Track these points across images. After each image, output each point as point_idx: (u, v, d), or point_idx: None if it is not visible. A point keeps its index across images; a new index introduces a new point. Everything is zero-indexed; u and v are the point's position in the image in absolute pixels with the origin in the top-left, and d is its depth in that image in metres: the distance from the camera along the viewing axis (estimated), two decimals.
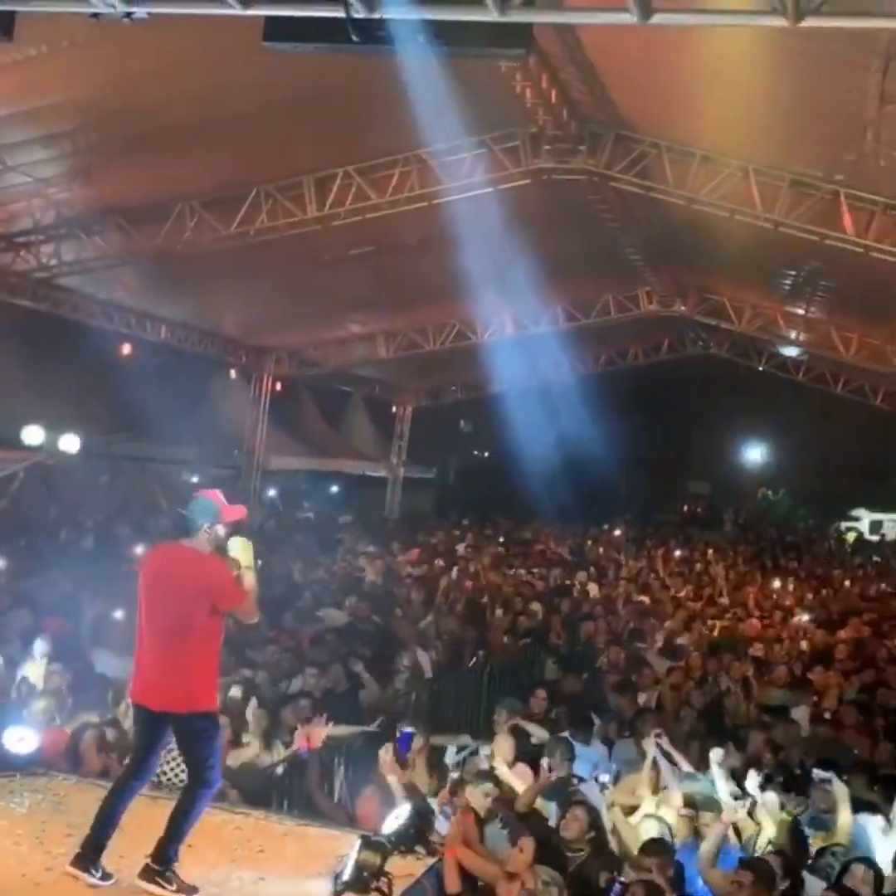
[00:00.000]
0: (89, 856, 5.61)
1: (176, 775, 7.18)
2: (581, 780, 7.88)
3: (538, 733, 8.58)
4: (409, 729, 7.98)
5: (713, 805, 7.02)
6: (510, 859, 6.16)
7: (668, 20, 5.52)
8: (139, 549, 13.39)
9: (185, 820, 5.70)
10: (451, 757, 8.47)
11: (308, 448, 27.13)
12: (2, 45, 6.82)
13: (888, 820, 7.48)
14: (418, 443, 31.44)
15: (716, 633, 14.21)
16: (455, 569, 17.06)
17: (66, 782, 7.05)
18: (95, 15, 5.80)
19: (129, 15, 5.64)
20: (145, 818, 5.90)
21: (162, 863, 5.58)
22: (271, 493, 26.99)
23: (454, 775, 7.41)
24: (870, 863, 6.63)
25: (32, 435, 16.52)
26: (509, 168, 14.04)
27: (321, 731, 7.47)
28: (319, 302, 19.92)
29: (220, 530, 5.80)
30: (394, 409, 30.86)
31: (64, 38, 9.67)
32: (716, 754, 7.53)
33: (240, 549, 5.84)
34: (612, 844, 6.96)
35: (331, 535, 21.63)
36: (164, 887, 5.54)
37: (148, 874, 5.57)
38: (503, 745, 8.03)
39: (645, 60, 10.68)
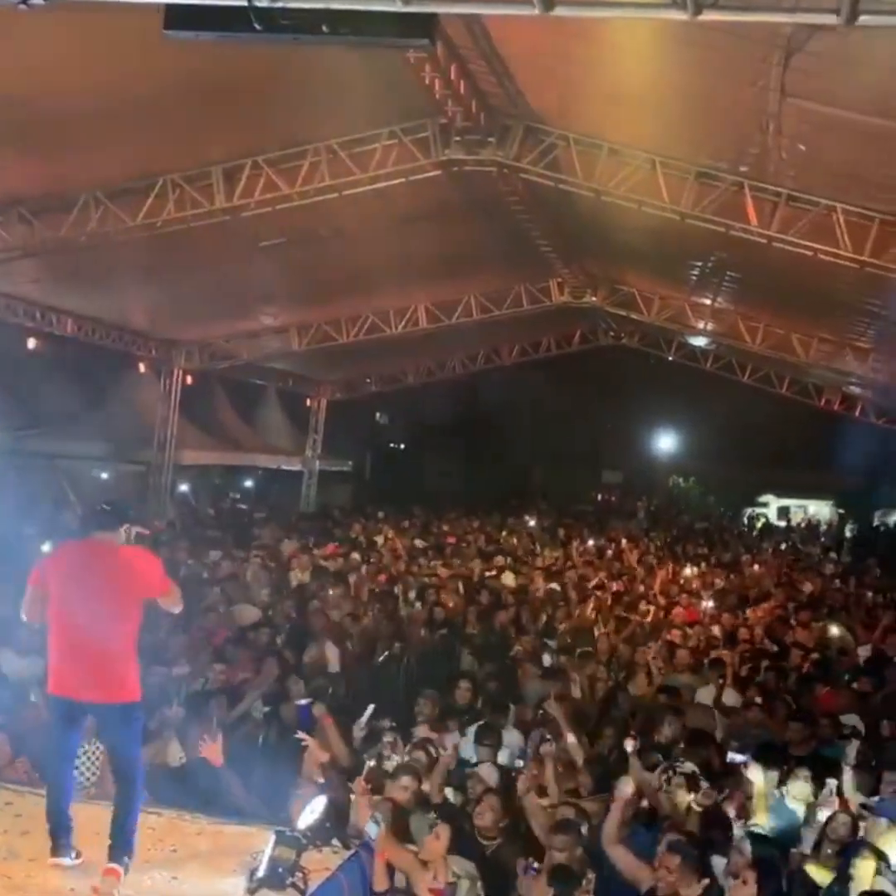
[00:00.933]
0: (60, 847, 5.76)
1: (92, 773, 7.09)
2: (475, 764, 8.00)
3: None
4: (302, 700, 8.07)
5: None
6: (425, 847, 6.18)
7: (570, 12, 5.55)
8: (47, 547, 13.13)
9: (135, 808, 5.83)
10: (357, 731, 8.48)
11: (221, 442, 26.85)
12: None
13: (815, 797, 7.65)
14: (334, 436, 31.33)
15: (649, 619, 14.38)
16: (367, 561, 17.08)
17: None
18: None
19: (24, 1, 5.49)
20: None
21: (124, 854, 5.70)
22: (183, 488, 26.65)
23: (370, 762, 7.39)
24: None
25: None
26: (420, 159, 14.03)
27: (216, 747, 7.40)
28: (231, 294, 19.71)
29: (134, 530, 6.09)
30: (308, 402, 30.68)
31: None
32: (629, 744, 7.67)
33: None
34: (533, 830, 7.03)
35: (246, 531, 21.42)
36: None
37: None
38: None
39: (553, 53, 10.76)
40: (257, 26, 5.16)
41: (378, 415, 41.04)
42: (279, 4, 5.00)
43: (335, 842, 6.41)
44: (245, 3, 5.01)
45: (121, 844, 5.69)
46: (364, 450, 38.34)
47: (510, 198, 16.18)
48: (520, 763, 7.41)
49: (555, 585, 15.97)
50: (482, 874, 6.31)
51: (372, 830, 6.19)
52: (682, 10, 5.31)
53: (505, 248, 18.96)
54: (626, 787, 6.69)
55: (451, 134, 13.89)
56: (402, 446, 43.90)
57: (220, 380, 26.93)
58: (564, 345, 27.56)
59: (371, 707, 8.54)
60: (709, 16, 5.35)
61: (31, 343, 19.31)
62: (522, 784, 7.08)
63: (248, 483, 32.34)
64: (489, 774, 7.47)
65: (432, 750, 7.82)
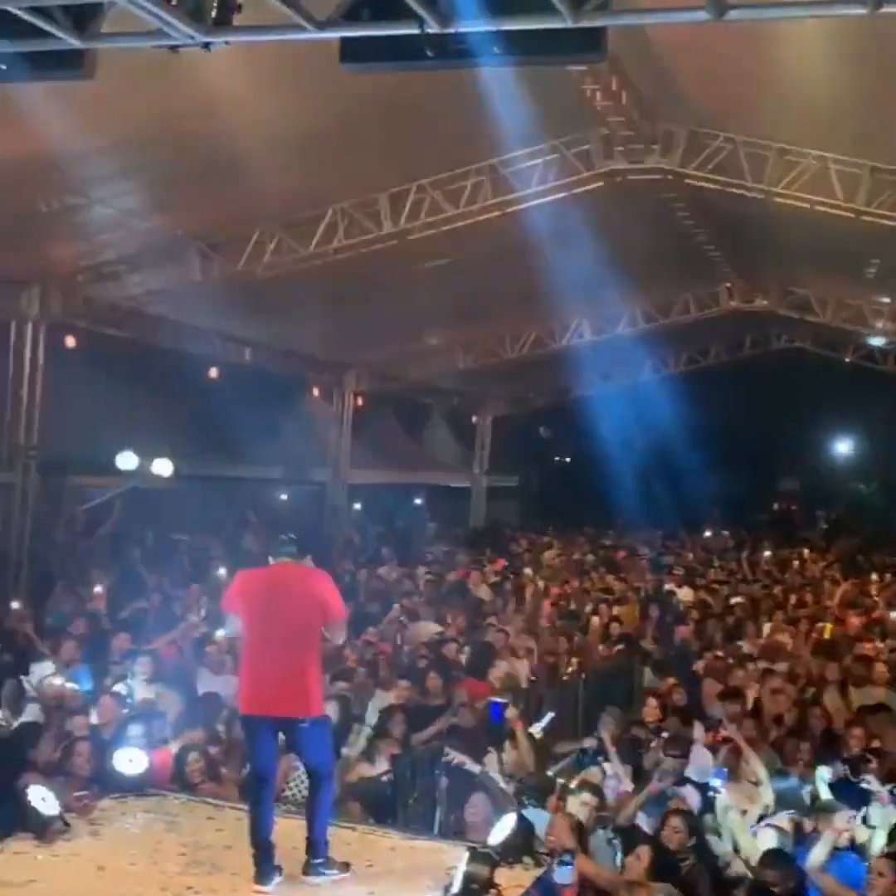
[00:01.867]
0: (263, 873, 5.96)
1: (300, 791, 7.28)
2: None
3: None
4: (498, 699, 8.13)
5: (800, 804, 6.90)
6: (628, 867, 6.15)
7: (744, 16, 5.45)
8: (226, 569, 13.65)
9: (323, 812, 6.16)
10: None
11: (391, 461, 27.28)
12: (81, 83, 6.99)
13: None
14: (500, 452, 31.43)
15: (826, 634, 13.82)
16: (539, 577, 17.06)
17: (176, 801, 7.19)
18: (174, 47, 5.93)
19: (207, 45, 5.75)
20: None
21: (318, 854, 6.05)
22: (356, 507, 27.19)
23: (560, 780, 7.38)
24: None
25: (127, 461, 16.88)
26: (582, 172, 14.01)
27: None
28: (397, 316, 20.03)
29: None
30: (474, 419, 30.89)
31: (142, 70, 9.85)
32: (824, 771, 7.42)
33: None
34: (728, 847, 6.88)
35: (418, 548, 21.73)
36: (327, 874, 6.05)
37: (310, 868, 6.05)
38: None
39: (718, 55, 10.55)
40: (430, 53, 5.26)
41: (542, 429, 40.85)
42: (451, 30, 5.07)
43: (526, 859, 6.41)
44: (418, 32, 5.10)
45: (317, 836, 6.07)
46: (530, 465, 38.25)
47: (675, 204, 15.95)
48: (718, 782, 7.22)
49: (739, 599, 15.55)
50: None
51: (563, 875, 6.09)
52: (861, 5, 5.13)
53: (670, 255, 18.68)
54: (840, 821, 6.49)
55: (614, 144, 13.80)
56: (568, 460, 43.59)
57: (389, 400, 27.42)
58: (734, 351, 26.91)
59: (550, 714, 8.52)
60: (890, 8, 5.15)
61: (213, 372, 20.10)
62: (723, 802, 6.95)
63: (418, 501, 32.73)
64: (691, 795, 7.33)
65: (608, 768, 7.77)
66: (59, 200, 13.02)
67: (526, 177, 14.13)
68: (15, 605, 12.52)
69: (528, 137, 13.89)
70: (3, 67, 6.18)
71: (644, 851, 6.14)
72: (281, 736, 6.25)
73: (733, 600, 15.61)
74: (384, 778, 7.97)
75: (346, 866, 6.15)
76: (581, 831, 6.52)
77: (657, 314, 21.92)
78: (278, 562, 6.31)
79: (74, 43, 5.84)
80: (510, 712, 8.24)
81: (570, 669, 11.44)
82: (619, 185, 14.61)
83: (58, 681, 9.03)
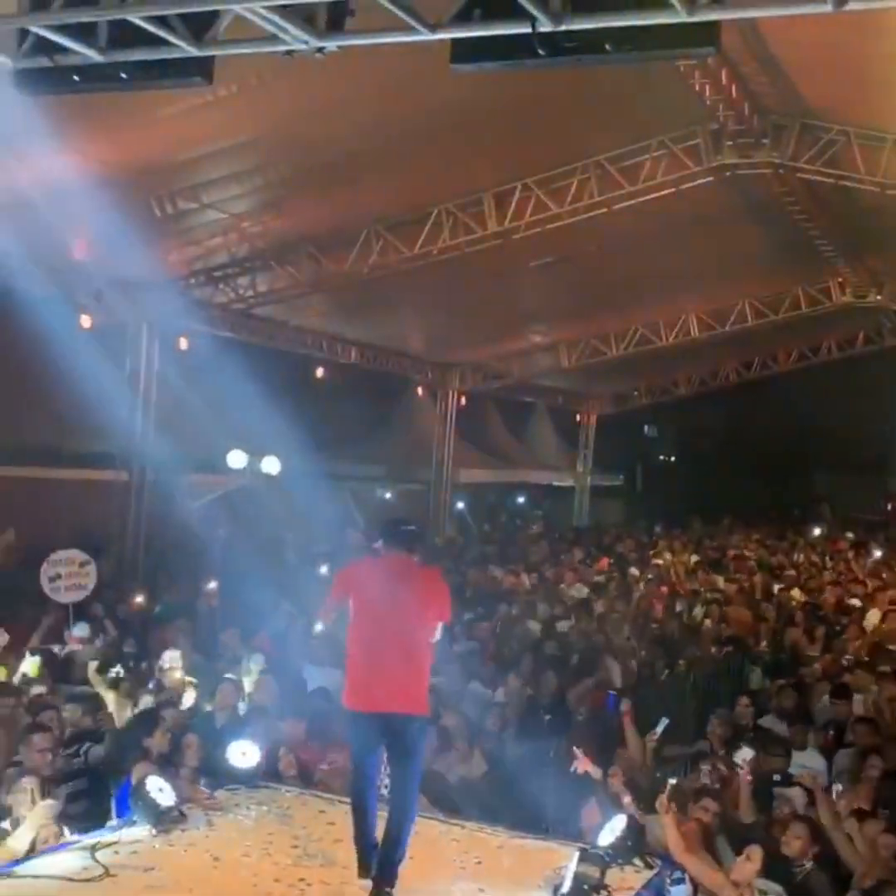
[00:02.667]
0: (383, 880, 5.73)
1: None
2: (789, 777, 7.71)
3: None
4: (612, 691, 8.09)
5: None
6: (736, 867, 6.05)
7: (865, 6, 5.30)
8: (329, 566, 13.84)
9: (406, 829, 5.84)
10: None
11: (494, 460, 27.31)
12: (198, 89, 7.16)
13: None
14: (604, 450, 31.22)
15: None
16: (645, 577, 16.90)
17: (288, 794, 7.30)
18: (289, 52, 6.02)
19: (321, 49, 5.83)
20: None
21: (392, 880, 5.72)
22: (460, 506, 27.30)
23: (672, 781, 7.30)
24: None
25: (236, 459, 17.26)
26: (691, 167, 13.81)
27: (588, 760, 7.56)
28: (501, 315, 20.05)
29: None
30: (577, 417, 30.74)
31: (253, 76, 10.07)
32: None
33: None
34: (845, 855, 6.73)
35: (521, 547, 21.70)
36: None
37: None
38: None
39: (830, 46, 10.30)
40: (540, 52, 5.24)
41: (647, 428, 40.41)
42: (563, 28, 5.04)
43: (637, 861, 6.36)
44: (528, 31, 5.09)
45: (395, 861, 5.75)
46: (634, 464, 37.91)
47: (785, 198, 15.63)
48: (838, 787, 7.08)
49: (855, 601, 15.17)
50: None
51: (677, 894, 6.03)
52: None
53: (780, 249, 18.31)
54: None
55: (723, 138, 13.59)
56: (673, 459, 43.04)
57: (493, 399, 27.44)
58: (846, 347, 26.21)
59: (664, 721, 8.43)
60: None
61: (319, 371, 20.41)
62: (838, 807, 6.80)
63: (521, 500, 32.70)
64: (797, 796, 7.19)
65: (722, 768, 7.66)
66: (172, 205, 13.38)
67: (633, 173, 13.98)
68: (139, 599, 12.94)
69: (636, 134, 13.80)
70: (124, 76, 6.36)
71: (754, 852, 6.01)
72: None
73: (846, 601, 15.22)
74: (486, 777, 8.00)
75: None
76: (705, 836, 6.45)
77: (766, 310, 21.46)
78: (391, 553, 6.10)
79: (192, 51, 5.98)
80: (624, 704, 8.18)
81: (667, 670, 11.25)
82: (728, 180, 14.37)
83: (178, 674, 9.25)
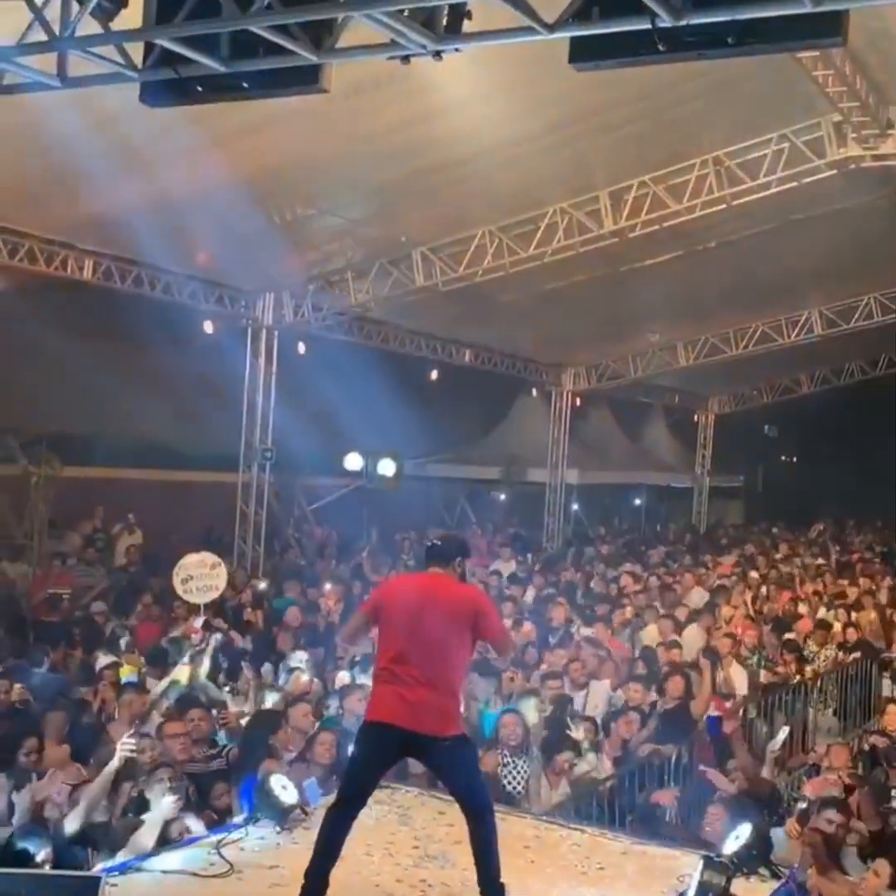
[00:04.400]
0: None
1: (515, 786, 7.35)
2: None
3: None
4: (715, 712, 7.96)
5: None
6: (863, 883, 5.86)
7: None
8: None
9: (490, 850, 5.59)
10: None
11: (610, 461, 27.06)
12: (309, 96, 7.20)
13: None
14: (723, 451, 30.63)
15: None
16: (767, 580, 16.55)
17: (408, 795, 7.32)
18: (406, 58, 6.05)
19: (438, 53, 5.84)
20: None
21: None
22: (575, 507, 27.12)
23: (801, 805, 7.13)
24: None
25: (353, 461, 17.49)
26: (814, 160, 13.42)
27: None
28: (616, 315, 19.85)
29: (466, 564, 6.07)
30: (695, 417, 30.24)
31: (368, 81, 10.15)
32: None
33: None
34: None
35: (637, 549, 21.47)
36: None
37: None
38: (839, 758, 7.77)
39: None
40: (661, 47, 5.15)
41: (767, 427, 39.47)
42: (684, 22, 4.95)
43: (763, 870, 6.21)
44: (649, 27, 5.01)
45: (496, 876, 5.55)
46: (755, 464, 37.09)
47: None
48: None
49: None
50: None
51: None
52: None
53: None
54: None
55: (846, 130, 13.18)
56: (795, 459, 41.98)
57: (607, 400, 27.20)
58: None
59: (785, 729, 8.23)
60: None
61: (434, 374, 20.53)
62: None
63: (637, 501, 32.32)
64: None
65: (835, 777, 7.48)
66: (291, 212, 13.61)
67: (753, 167, 13.66)
68: (262, 586, 13.21)
69: (756, 127, 13.49)
70: (245, 85, 6.49)
71: (881, 866, 5.81)
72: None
73: None
74: (608, 781, 7.93)
75: None
76: (828, 847, 6.26)
77: (893, 305, 20.73)
78: (429, 569, 5.93)
79: (312, 58, 6.05)
80: (727, 727, 7.96)
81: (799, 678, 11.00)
82: (852, 173, 13.93)
83: (305, 677, 9.37)
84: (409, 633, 5.65)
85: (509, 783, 7.53)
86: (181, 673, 8.94)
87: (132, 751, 6.75)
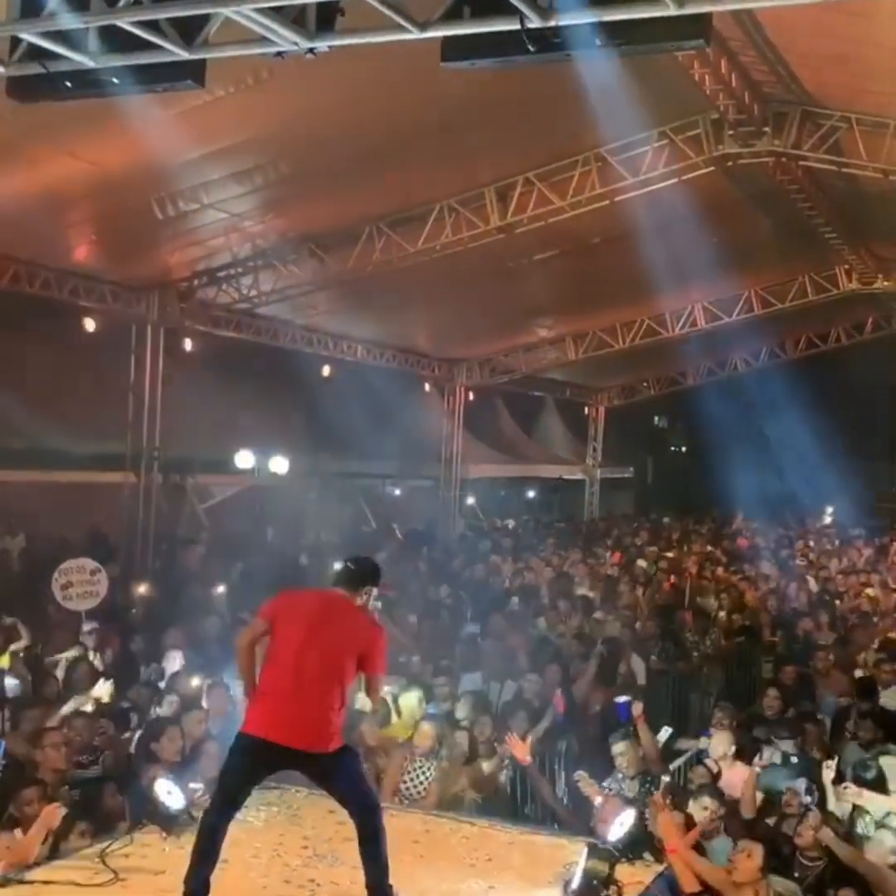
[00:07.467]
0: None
1: (415, 788, 7.37)
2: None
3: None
4: (623, 698, 8.03)
5: None
6: (737, 865, 5.99)
7: None
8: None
9: (379, 855, 5.60)
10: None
11: (504, 455, 27.29)
12: (190, 91, 7.13)
13: None
14: (614, 443, 31.15)
15: None
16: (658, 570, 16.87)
17: (297, 795, 7.27)
18: (279, 54, 6.01)
19: (311, 50, 5.82)
20: None
21: None
22: (470, 501, 27.28)
23: (665, 778, 7.27)
24: None
25: (244, 460, 17.29)
26: (692, 157, 13.77)
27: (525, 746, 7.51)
28: (506, 309, 20.02)
29: (374, 593, 6.00)
30: (586, 410, 30.68)
31: (249, 77, 10.07)
32: None
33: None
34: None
35: (532, 542, 21.65)
36: None
37: None
38: (721, 744, 7.97)
39: (830, 33, 10.27)
40: (531, 48, 5.22)
41: (656, 419, 40.27)
42: (552, 23, 5.02)
43: (648, 855, 6.34)
44: (518, 27, 5.07)
45: (384, 880, 5.55)
46: (645, 455, 37.81)
47: (789, 187, 15.57)
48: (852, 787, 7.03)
49: (870, 590, 15.10)
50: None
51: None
52: None
53: (785, 238, 18.24)
54: None
55: (724, 128, 13.53)
56: (684, 449, 42.94)
57: (501, 394, 27.42)
58: (855, 334, 26.10)
59: (668, 730, 8.34)
60: None
61: (325, 370, 20.41)
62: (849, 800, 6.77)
63: (532, 494, 32.67)
64: (803, 789, 7.16)
65: (713, 765, 7.64)
66: (174, 206, 13.38)
67: (634, 165, 13.93)
68: (142, 589, 12.96)
69: (636, 124, 13.71)
70: (115, 81, 6.37)
71: (754, 849, 5.93)
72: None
73: (864, 592, 15.16)
74: (502, 775, 7.98)
75: None
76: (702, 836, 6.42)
77: (773, 299, 21.38)
78: (335, 590, 5.86)
79: (182, 54, 5.98)
80: (636, 708, 8.09)
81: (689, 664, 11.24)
82: (730, 169, 14.31)
83: (195, 681, 9.18)
84: (301, 645, 5.58)
85: (410, 786, 7.49)
86: (103, 690, 8.68)
87: None
